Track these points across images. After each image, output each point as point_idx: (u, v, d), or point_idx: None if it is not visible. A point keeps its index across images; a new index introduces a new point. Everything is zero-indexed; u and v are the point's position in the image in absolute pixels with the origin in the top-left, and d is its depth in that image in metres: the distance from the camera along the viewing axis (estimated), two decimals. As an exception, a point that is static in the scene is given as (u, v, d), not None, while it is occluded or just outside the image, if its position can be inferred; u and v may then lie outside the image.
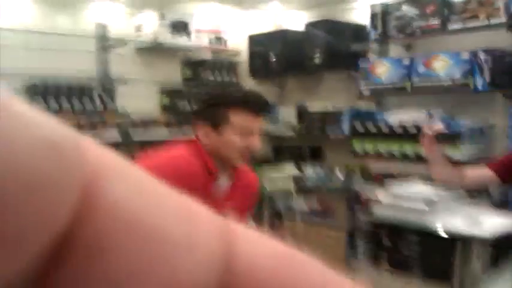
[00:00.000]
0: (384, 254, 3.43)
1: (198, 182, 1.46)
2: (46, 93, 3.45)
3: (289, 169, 3.00)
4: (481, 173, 2.03)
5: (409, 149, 3.25)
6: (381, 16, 3.42)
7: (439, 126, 1.95)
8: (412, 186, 2.11)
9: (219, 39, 4.24)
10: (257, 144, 1.50)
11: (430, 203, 1.90)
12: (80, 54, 3.70)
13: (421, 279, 3.24)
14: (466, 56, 2.96)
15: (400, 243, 3.36)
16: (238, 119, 1.47)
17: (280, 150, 4.41)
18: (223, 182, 1.57)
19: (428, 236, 3.20)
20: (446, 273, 3.07)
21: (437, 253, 3.16)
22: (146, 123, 3.91)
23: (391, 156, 3.38)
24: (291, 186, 2.84)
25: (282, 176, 2.85)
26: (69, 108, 3.53)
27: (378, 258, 3.50)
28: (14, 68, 3.37)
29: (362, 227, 3.69)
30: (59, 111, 3.46)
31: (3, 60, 3.35)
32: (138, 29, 3.97)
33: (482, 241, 1.82)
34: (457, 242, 2.07)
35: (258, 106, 1.50)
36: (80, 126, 3.51)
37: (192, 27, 4.05)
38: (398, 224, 2.03)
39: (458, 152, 2.91)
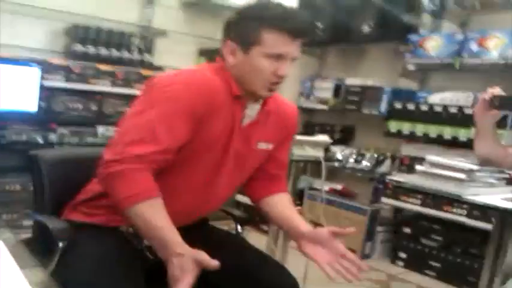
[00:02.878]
0: (402, 244, 3.32)
1: (219, 102, 1.33)
2: (86, 37, 3.43)
3: (321, 137, 2.86)
4: None
5: (447, 132, 3.11)
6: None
7: (497, 89, 1.80)
8: (450, 158, 1.99)
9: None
10: (286, 72, 1.33)
11: (470, 173, 1.78)
12: (125, 2, 3.69)
13: (439, 275, 3.13)
14: (525, 35, 2.80)
15: (420, 233, 3.24)
16: (272, 39, 1.30)
17: (311, 125, 4.32)
18: (252, 111, 1.43)
19: (452, 226, 3.08)
20: (469, 270, 2.95)
21: (462, 246, 3.05)
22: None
23: (428, 140, 3.26)
24: (321, 155, 2.70)
25: (312, 142, 2.72)
26: (107, 55, 3.51)
27: (396, 247, 3.39)
28: (56, 7, 3.37)
29: (384, 213, 3.60)
30: (96, 57, 3.46)
31: (45, -2, 3.36)
32: (188, -19, 3.91)
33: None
34: (487, 235, 1.95)
35: (298, 28, 1.31)
36: (115, 76, 3.51)
37: (243, -17, 3.96)
38: (434, 193, 1.91)
39: (506, 138, 2.76)
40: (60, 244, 1.31)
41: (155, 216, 1.23)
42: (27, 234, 1.55)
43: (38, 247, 1.51)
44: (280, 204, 1.55)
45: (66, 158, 1.63)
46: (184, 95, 1.28)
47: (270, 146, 1.51)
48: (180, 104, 1.27)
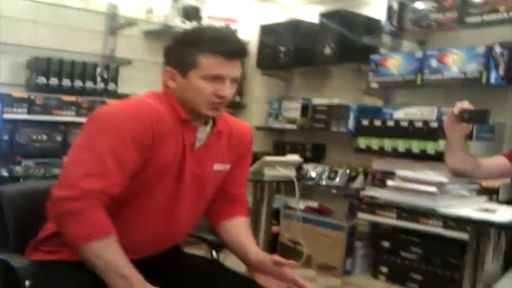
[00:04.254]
0: (383, 258, 3.33)
1: (165, 127, 1.34)
2: (48, 69, 3.37)
3: (292, 157, 2.87)
4: (497, 162, 1.93)
5: (415, 146, 3.16)
6: (398, 10, 3.35)
7: (467, 103, 1.83)
8: (421, 172, 2.00)
9: (229, 28, 4.17)
10: (227, 92, 1.35)
11: (441, 185, 1.79)
12: (87, 33, 3.65)
13: (421, 287, 3.14)
14: (481, 50, 2.89)
15: (399, 247, 3.26)
16: (207, 62, 1.32)
17: (282, 145, 4.33)
18: (204, 134, 1.44)
19: (430, 238, 3.11)
20: (450, 281, 2.97)
21: (441, 257, 3.07)
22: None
23: (397, 154, 3.30)
24: (293, 174, 2.70)
25: (283, 162, 2.72)
26: (69, 86, 3.45)
27: (376, 262, 3.40)
28: (19, 41, 3.32)
29: (361, 228, 3.61)
30: (59, 89, 3.40)
31: (8, 32, 3.29)
32: (149, 11, 3.89)
33: (499, 227, 1.70)
34: (465, 245, 1.95)
35: (231, 49, 1.34)
36: (79, 105, 3.45)
37: (204, 14, 3.98)
38: (407, 208, 1.92)
39: (472, 149, 2.82)
40: (27, 283, 1.26)
41: (115, 255, 1.23)
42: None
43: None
44: (236, 228, 1.54)
45: (29, 193, 1.56)
46: (127, 124, 1.29)
47: (227, 167, 1.52)
48: (125, 135, 1.28)
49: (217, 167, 1.48)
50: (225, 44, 1.33)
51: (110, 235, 1.24)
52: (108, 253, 1.22)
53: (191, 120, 1.39)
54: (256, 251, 1.47)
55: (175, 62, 1.37)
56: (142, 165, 1.32)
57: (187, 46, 1.35)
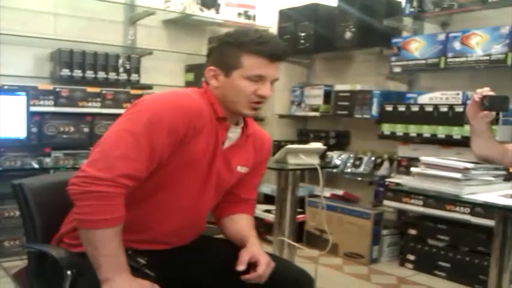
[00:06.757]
0: (410, 246, 3.29)
1: (202, 122, 1.37)
2: (72, 61, 3.41)
3: (316, 145, 2.83)
4: None
5: (441, 131, 3.10)
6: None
7: (488, 90, 1.78)
8: (445, 158, 1.96)
9: (248, 14, 4.15)
10: (267, 91, 1.40)
11: (465, 171, 1.75)
12: (107, 24, 3.69)
13: (449, 275, 3.10)
14: (506, 30, 2.80)
15: (426, 234, 3.21)
16: (250, 63, 1.37)
17: (305, 133, 4.31)
18: (234, 134, 1.49)
19: (458, 225, 3.07)
20: (478, 268, 2.92)
21: (469, 244, 3.02)
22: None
23: (422, 140, 3.25)
24: (317, 162, 2.68)
25: (307, 150, 2.69)
26: (94, 77, 3.49)
27: (403, 249, 3.36)
28: (41, 34, 3.38)
29: (387, 215, 3.57)
30: (83, 80, 3.44)
31: (30, 24, 3.35)
32: (167, 0, 3.91)
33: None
34: (492, 231, 1.91)
35: (274, 51, 1.38)
36: (103, 97, 3.49)
37: (222, 1, 3.97)
38: (432, 194, 1.89)
39: (498, 134, 2.75)
40: (69, 273, 1.31)
41: (120, 243, 1.27)
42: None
43: (35, 278, 1.49)
44: (238, 222, 1.58)
45: (53, 185, 1.58)
46: (168, 114, 1.32)
47: (246, 170, 1.56)
48: (164, 124, 1.30)
49: (240, 169, 1.53)
50: (268, 46, 1.38)
51: (121, 224, 1.27)
52: (117, 240, 1.26)
53: (227, 119, 1.44)
54: (252, 244, 1.49)
55: (218, 62, 1.42)
56: (173, 157, 1.34)
57: (232, 47, 1.39)
